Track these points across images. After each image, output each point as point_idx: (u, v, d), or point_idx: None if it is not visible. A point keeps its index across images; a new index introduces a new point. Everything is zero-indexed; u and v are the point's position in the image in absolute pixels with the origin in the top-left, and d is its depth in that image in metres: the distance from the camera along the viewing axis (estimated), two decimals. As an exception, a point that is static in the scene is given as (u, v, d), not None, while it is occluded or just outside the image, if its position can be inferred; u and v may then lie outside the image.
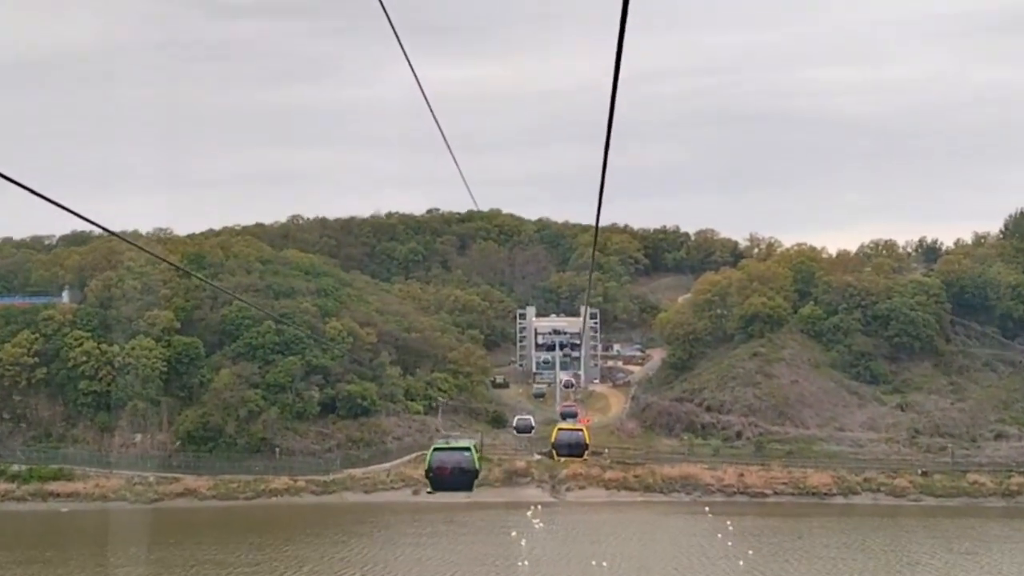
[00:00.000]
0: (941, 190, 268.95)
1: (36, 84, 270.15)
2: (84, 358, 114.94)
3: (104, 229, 14.66)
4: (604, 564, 78.15)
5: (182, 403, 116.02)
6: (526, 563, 78.68)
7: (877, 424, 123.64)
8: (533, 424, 78.78)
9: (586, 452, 43.21)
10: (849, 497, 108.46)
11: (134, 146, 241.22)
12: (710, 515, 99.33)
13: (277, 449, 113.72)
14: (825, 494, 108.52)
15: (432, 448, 31.36)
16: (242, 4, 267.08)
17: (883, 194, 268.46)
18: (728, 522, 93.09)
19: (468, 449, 30.88)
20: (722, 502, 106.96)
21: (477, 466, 30.73)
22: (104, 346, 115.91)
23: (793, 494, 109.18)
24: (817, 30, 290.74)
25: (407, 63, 15.68)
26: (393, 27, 13.63)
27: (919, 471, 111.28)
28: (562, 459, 58.12)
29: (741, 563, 78.57)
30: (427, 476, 30.67)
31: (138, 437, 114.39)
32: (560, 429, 43.37)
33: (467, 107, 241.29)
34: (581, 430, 43.93)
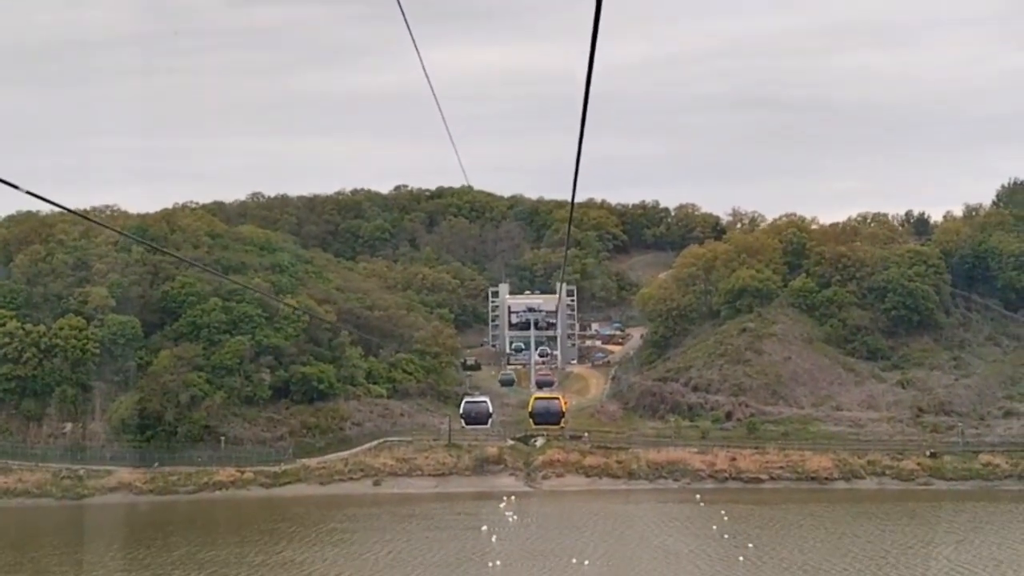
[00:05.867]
0: (938, 177, 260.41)
1: (40, 72, 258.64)
2: (7, 339, 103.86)
3: (32, 193, 13.33)
4: (585, 562, 68.76)
5: (117, 388, 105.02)
6: (498, 563, 68.98)
7: (877, 402, 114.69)
8: (490, 410, 54.87)
9: (562, 420, 42.68)
10: (852, 481, 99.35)
11: (129, 135, 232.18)
12: (702, 504, 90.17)
13: (223, 438, 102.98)
14: (826, 479, 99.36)
15: None
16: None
17: (873, 181, 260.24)
18: (723, 511, 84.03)
19: None
20: (713, 488, 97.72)
21: None
22: (29, 326, 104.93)
23: (791, 479, 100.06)
24: (838, 15, 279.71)
25: (415, 48, 17.18)
26: (403, 12, 14.44)
27: (927, 452, 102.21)
28: (539, 427, 55.42)
29: (741, 559, 69.23)
30: None
31: (68, 426, 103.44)
32: (536, 398, 42.14)
33: (456, 91, 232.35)
34: (557, 398, 42.10)
